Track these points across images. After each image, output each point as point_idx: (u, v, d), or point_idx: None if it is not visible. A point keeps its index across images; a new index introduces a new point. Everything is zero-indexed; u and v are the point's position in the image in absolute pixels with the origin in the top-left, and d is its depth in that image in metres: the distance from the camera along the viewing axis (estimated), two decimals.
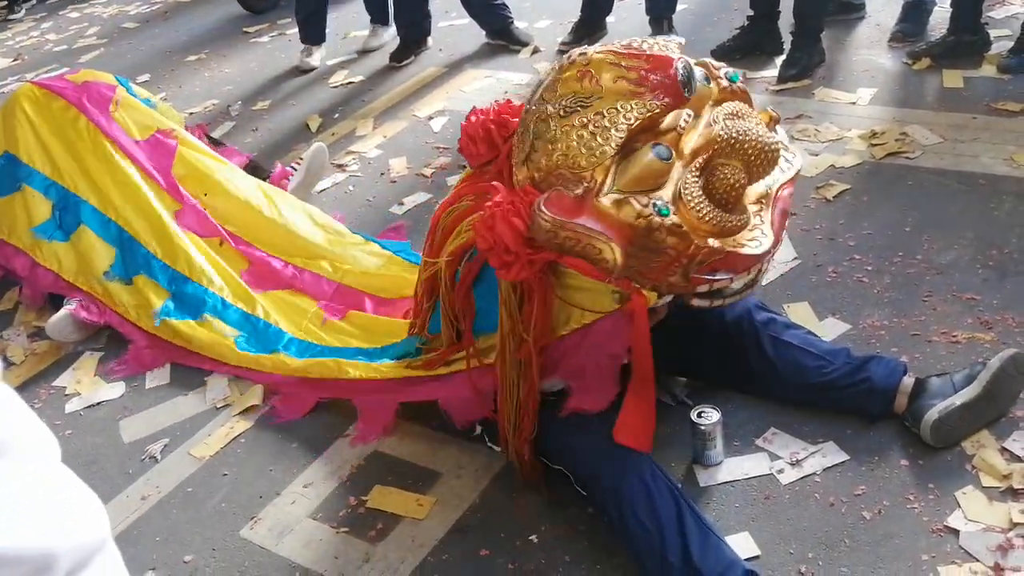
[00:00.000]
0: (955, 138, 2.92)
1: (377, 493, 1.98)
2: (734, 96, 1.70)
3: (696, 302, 1.69)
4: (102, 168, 2.72)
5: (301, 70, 4.45)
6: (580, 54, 1.62)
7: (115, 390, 2.45)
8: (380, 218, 3.05)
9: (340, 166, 3.44)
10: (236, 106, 4.20)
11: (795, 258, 2.47)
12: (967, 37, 3.39)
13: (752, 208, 1.65)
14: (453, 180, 3.18)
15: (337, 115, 3.93)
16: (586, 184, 1.53)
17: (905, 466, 1.82)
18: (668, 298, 1.71)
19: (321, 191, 3.28)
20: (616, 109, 1.55)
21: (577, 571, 1.72)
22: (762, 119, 1.70)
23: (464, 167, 3.24)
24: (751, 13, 3.72)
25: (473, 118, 1.85)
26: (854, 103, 3.26)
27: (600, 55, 1.60)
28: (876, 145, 2.94)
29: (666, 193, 1.54)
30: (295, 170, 3.16)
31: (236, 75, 4.61)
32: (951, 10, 3.44)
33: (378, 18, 4.56)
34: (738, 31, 3.78)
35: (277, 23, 5.24)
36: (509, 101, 1.86)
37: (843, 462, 1.85)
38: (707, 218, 1.56)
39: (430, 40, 4.42)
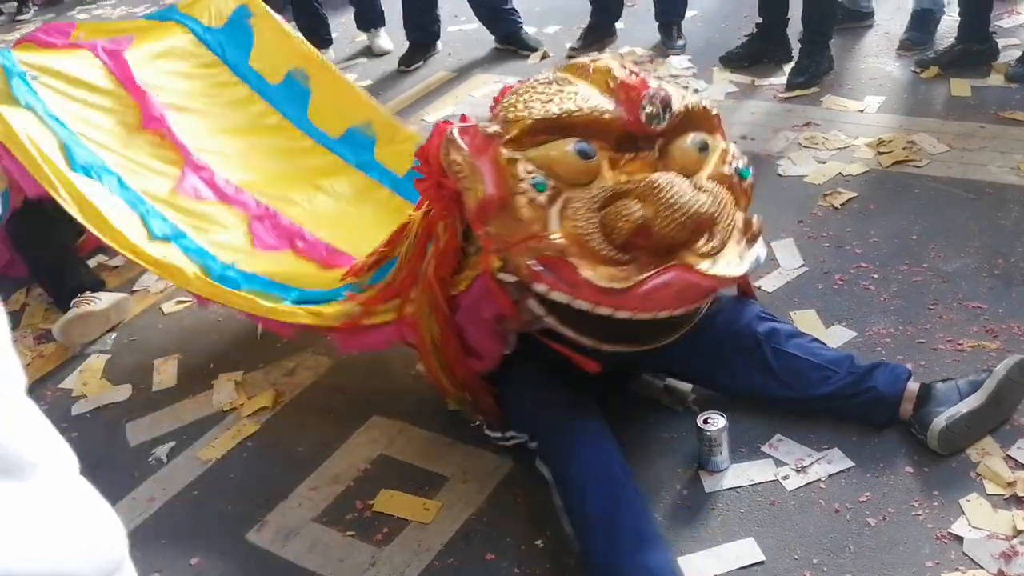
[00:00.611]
0: (962, 147, 2.92)
1: (383, 497, 1.98)
2: (735, 188, 1.71)
3: (531, 304, 1.69)
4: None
5: None
6: (599, 59, 1.75)
7: (122, 392, 2.46)
8: None
9: None
10: None
11: (802, 265, 2.48)
12: (975, 46, 3.40)
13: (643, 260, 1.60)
14: None
15: None
16: (499, 130, 1.64)
17: (910, 473, 1.82)
18: (512, 278, 1.67)
19: None
20: (575, 93, 1.66)
21: None
22: (737, 217, 1.70)
23: None
24: (760, 20, 3.73)
25: (419, 149, 1.87)
26: (862, 111, 3.27)
27: (610, 62, 1.69)
28: (883, 153, 2.95)
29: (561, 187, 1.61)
30: None
31: None
32: (959, 19, 3.44)
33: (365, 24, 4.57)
34: (747, 38, 3.78)
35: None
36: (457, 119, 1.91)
37: (848, 469, 1.85)
38: (579, 229, 1.58)
39: (439, 44, 4.43)
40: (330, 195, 2.68)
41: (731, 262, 1.66)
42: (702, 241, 1.63)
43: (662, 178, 1.59)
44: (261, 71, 2.89)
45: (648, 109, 1.63)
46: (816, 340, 2.03)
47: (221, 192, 2.59)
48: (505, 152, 1.61)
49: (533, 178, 1.59)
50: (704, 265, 1.61)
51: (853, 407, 1.91)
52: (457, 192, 1.70)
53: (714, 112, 1.78)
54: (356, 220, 2.59)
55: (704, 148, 1.71)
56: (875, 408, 1.90)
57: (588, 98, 1.65)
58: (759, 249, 1.72)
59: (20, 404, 0.51)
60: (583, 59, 1.78)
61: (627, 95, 1.64)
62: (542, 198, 1.59)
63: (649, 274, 1.57)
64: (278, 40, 2.95)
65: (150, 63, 2.80)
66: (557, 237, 1.57)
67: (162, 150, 2.63)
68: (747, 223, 1.72)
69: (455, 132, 1.66)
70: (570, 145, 1.61)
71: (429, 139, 1.75)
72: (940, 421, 1.81)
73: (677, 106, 1.66)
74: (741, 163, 1.76)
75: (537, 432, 1.86)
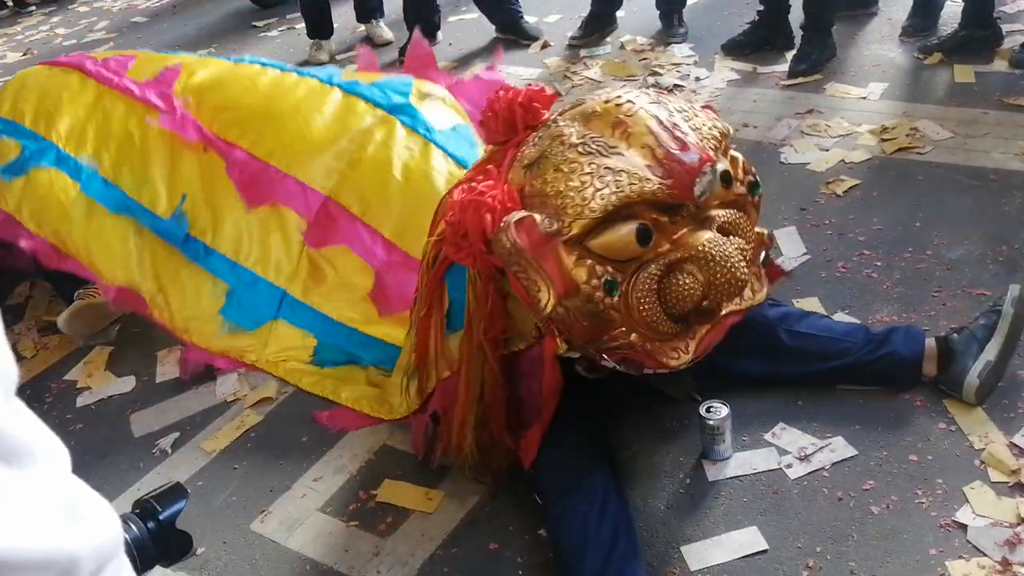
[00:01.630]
0: (966, 133, 2.91)
1: (387, 487, 1.98)
2: (747, 206, 1.72)
3: (578, 367, 1.74)
4: (76, 109, 2.58)
5: (311, 64, 4.45)
6: (629, 102, 1.62)
7: (126, 384, 2.46)
8: None
9: None
10: None
11: (804, 253, 2.47)
12: (979, 32, 3.38)
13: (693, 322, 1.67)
14: None
15: None
16: (560, 228, 1.54)
17: (914, 461, 1.82)
18: (576, 354, 1.72)
19: None
20: (626, 173, 1.55)
21: None
22: (754, 239, 1.72)
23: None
24: (761, 8, 3.72)
25: (502, 93, 1.79)
26: (865, 98, 3.25)
27: (645, 116, 1.59)
28: (887, 140, 2.94)
29: (623, 274, 1.57)
30: None
31: None
32: (963, 4, 3.42)
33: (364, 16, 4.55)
34: (749, 25, 3.77)
35: (286, 17, 5.25)
36: (543, 88, 1.81)
37: (852, 457, 1.85)
38: (645, 314, 1.59)
39: (440, 34, 4.42)
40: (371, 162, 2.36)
41: (754, 286, 1.75)
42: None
43: (714, 248, 1.60)
44: None
45: (701, 188, 1.60)
46: (826, 317, 2.04)
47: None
48: (572, 258, 1.54)
49: (605, 280, 1.55)
50: (732, 306, 1.70)
51: (874, 373, 1.93)
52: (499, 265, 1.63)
53: (730, 132, 1.75)
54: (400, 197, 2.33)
55: (728, 181, 1.69)
56: (897, 370, 1.92)
57: (638, 175, 1.55)
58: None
59: (14, 398, 0.51)
60: (607, 102, 1.64)
61: (679, 173, 1.57)
62: (616, 302, 1.56)
63: (703, 337, 1.67)
64: None
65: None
66: (630, 336, 1.59)
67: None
68: (759, 241, 1.75)
69: (512, 225, 1.54)
70: (630, 231, 1.55)
71: (461, 212, 1.61)
72: (973, 378, 1.86)
73: (718, 175, 1.64)
74: (751, 180, 1.75)
75: (542, 496, 1.81)
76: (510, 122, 1.76)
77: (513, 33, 4.30)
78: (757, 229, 1.76)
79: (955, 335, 1.93)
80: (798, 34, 3.59)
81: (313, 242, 2.31)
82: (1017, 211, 2.51)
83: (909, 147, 2.88)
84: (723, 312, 1.68)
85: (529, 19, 4.33)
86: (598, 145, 1.58)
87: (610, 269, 1.56)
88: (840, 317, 2.21)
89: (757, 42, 3.71)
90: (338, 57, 4.48)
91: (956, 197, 2.62)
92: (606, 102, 1.65)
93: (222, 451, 2.17)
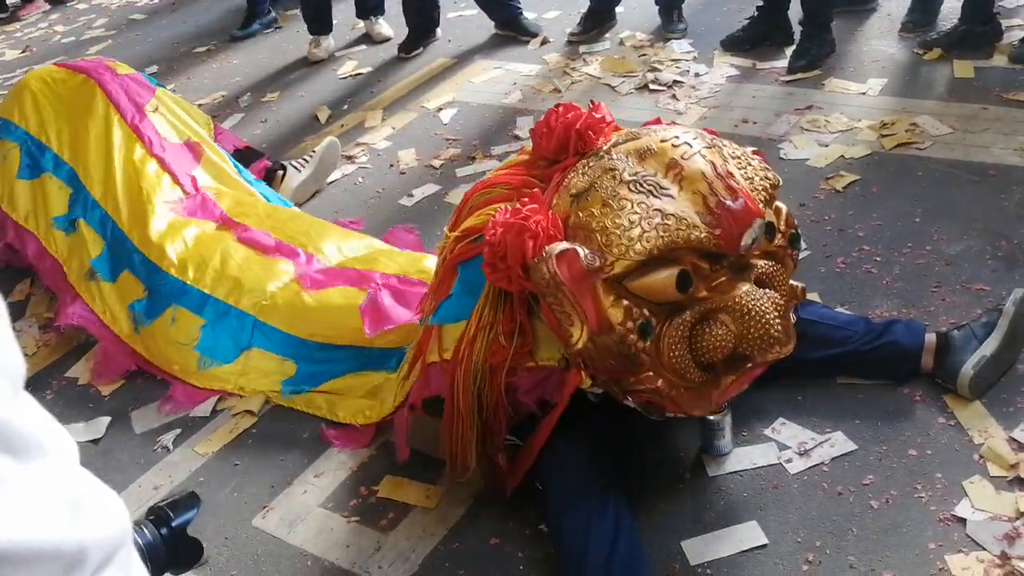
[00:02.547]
0: (966, 129, 2.91)
1: (387, 483, 1.99)
2: (785, 257, 1.73)
3: (590, 396, 1.73)
4: (102, 149, 2.70)
5: (310, 61, 4.46)
6: (686, 144, 1.60)
7: (126, 380, 2.47)
8: (389, 210, 3.06)
9: (349, 158, 3.45)
10: (245, 97, 4.21)
11: (804, 249, 2.47)
12: (978, 27, 3.37)
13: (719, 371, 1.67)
14: (462, 172, 3.19)
15: (346, 106, 3.93)
16: (602, 265, 1.54)
17: (913, 456, 1.83)
18: (599, 390, 1.72)
19: (331, 183, 3.29)
20: (675, 217, 1.54)
21: None
22: (787, 291, 1.73)
23: (473, 159, 3.26)
24: (761, 3, 3.71)
25: (562, 111, 1.77)
26: (864, 93, 3.25)
27: (700, 161, 1.58)
28: (886, 136, 2.94)
29: (657, 317, 1.57)
30: (307, 162, 3.18)
31: (244, 66, 4.62)
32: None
33: (315, 28, 4.50)
34: (748, 21, 3.77)
35: (285, 14, 5.24)
36: (604, 117, 1.78)
37: (851, 452, 1.86)
38: (674, 360, 1.59)
39: (439, 31, 4.42)
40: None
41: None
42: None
43: (751, 302, 1.60)
44: None
45: (748, 241, 1.60)
46: (827, 307, 2.05)
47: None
48: (610, 297, 1.54)
49: (641, 324, 1.55)
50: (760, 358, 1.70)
51: (874, 363, 1.94)
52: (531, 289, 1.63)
53: (779, 183, 1.74)
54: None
55: (773, 234, 1.70)
56: (897, 361, 1.93)
57: (687, 222, 1.54)
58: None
59: (22, 394, 0.52)
60: (664, 141, 1.61)
61: (728, 225, 1.56)
62: (647, 346, 1.56)
63: (728, 387, 1.68)
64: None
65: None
66: (657, 382, 1.59)
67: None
68: (791, 293, 1.75)
69: (554, 257, 1.52)
70: (671, 276, 1.55)
71: (504, 234, 1.59)
72: (968, 369, 1.86)
73: (765, 228, 1.64)
74: (792, 233, 1.76)
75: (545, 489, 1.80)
76: (563, 144, 1.75)
77: (512, 29, 4.29)
78: (792, 282, 1.76)
79: (955, 331, 1.94)
80: (797, 30, 3.59)
81: (309, 286, 2.40)
82: (1016, 206, 2.51)
83: (908, 143, 2.88)
84: (756, 362, 1.68)
85: (528, 15, 4.33)
86: (650, 185, 1.56)
87: (646, 312, 1.56)
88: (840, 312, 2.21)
89: (756, 38, 3.71)
90: (336, 54, 4.48)
91: (955, 193, 2.62)
92: (662, 141, 1.62)
93: (223, 448, 2.18)
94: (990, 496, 1.71)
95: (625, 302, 1.55)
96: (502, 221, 1.61)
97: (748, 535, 1.73)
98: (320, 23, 4.48)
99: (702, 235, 1.55)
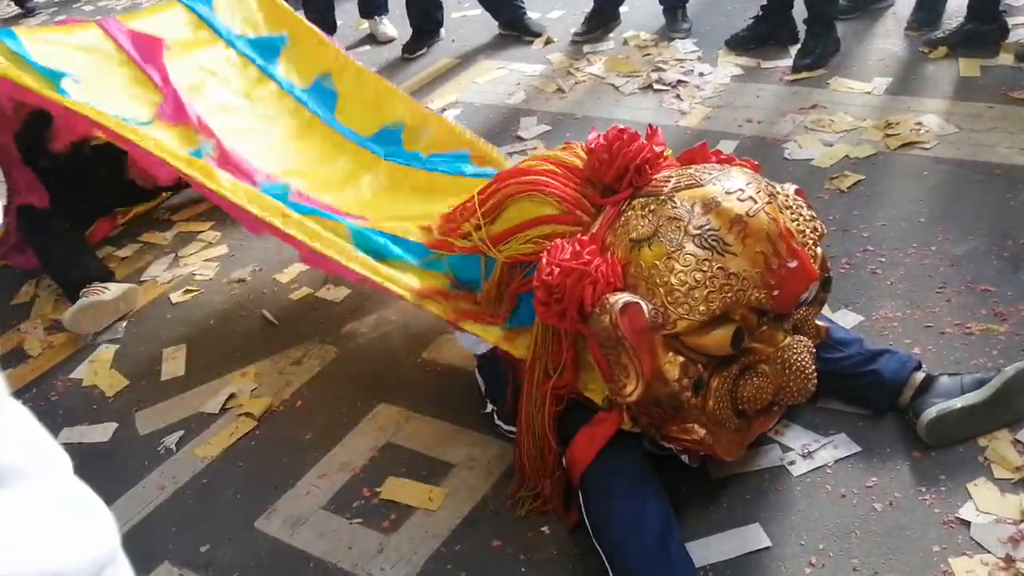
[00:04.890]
0: (971, 128, 2.90)
1: (390, 484, 1.99)
2: (815, 301, 1.77)
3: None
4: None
5: None
6: (751, 199, 1.59)
7: (131, 382, 2.47)
8: None
9: None
10: None
11: None
12: (984, 25, 3.36)
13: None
14: None
15: None
16: (664, 323, 1.55)
17: (917, 458, 1.82)
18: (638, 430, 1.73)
19: None
20: (737, 277, 1.56)
21: (588, 563, 1.73)
22: (813, 331, 1.78)
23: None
24: (765, 2, 3.70)
25: (626, 138, 1.74)
26: (869, 92, 3.24)
27: (765, 220, 1.58)
28: (891, 135, 2.93)
29: (706, 369, 1.60)
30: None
31: None
32: None
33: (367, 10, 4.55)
34: (752, 20, 3.76)
35: None
36: (662, 151, 1.78)
37: (855, 454, 1.85)
38: (718, 412, 1.63)
39: (443, 31, 4.42)
40: (365, 186, 2.63)
41: None
42: None
43: (792, 355, 1.64)
44: (288, 75, 2.90)
45: (804, 298, 1.65)
46: (827, 319, 2.03)
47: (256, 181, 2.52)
48: (668, 354, 1.56)
49: (696, 381, 1.58)
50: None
51: (855, 389, 1.92)
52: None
53: (824, 232, 1.75)
54: (392, 202, 2.54)
55: (827, 286, 1.74)
56: (876, 392, 1.90)
57: (749, 283, 1.56)
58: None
59: (3, 411, 0.51)
60: (729, 193, 1.60)
61: (788, 287, 1.59)
62: (697, 399, 1.59)
63: (755, 429, 1.76)
64: (310, 47, 2.97)
65: (182, 60, 2.79)
66: (700, 433, 1.62)
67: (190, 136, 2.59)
68: (816, 333, 1.79)
69: (618, 310, 1.52)
70: (727, 333, 1.57)
71: (559, 274, 1.59)
72: (931, 412, 1.81)
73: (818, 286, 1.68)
74: (827, 274, 1.78)
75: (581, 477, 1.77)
76: (620, 175, 1.73)
77: (516, 29, 4.29)
78: (817, 322, 1.79)
79: (945, 376, 1.89)
80: (802, 29, 3.58)
81: None
82: (1022, 206, 2.50)
83: (914, 142, 2.87)
84: (783, 405, 1.74)
85: (532, 15, 4.33)
86: (714, 240, 1.57)
87: (700, 367, 1.59)
88: (844, 314, 2.21)
89: (761, 37, 3.70)
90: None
91: (961, 192, 2.61)
92: (727, 193, 1.60)
93: (226, 450, 2.18)
94: (995, 498, 1.70)
95: (681, 359, 1.57)
96: (559, 261, 1.60)
97: (751, 537, 1.72)
98: (324, 23, 4.48)
99: (762, 296, 1.58)
